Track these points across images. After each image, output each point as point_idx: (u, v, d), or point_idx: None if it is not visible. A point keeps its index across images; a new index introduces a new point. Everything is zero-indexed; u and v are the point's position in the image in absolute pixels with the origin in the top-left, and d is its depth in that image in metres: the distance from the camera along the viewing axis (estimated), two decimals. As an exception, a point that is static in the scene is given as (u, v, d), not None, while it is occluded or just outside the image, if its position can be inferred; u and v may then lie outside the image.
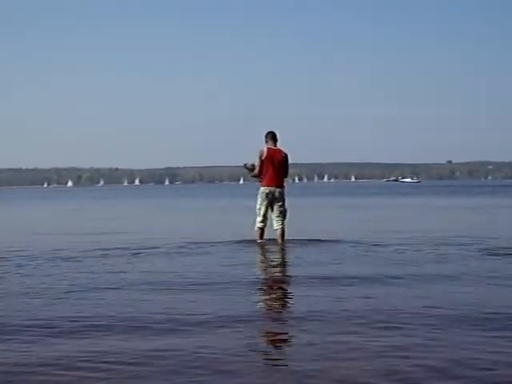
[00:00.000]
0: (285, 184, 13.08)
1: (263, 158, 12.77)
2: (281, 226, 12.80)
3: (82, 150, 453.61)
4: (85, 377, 4.53)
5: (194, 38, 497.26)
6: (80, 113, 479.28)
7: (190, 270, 9.33)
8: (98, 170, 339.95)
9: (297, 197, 45.19)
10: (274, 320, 6.37)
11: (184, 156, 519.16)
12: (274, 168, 12.78)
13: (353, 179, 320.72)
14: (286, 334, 5.76)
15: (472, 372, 4.52)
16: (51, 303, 7.03)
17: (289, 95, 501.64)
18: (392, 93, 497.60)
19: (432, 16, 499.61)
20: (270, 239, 12.90)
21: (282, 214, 12.85)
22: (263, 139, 13.02)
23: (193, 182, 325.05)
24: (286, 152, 13.01)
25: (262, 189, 12.85)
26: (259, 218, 12.84)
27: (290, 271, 9.56)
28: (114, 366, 4.71)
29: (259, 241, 12.69)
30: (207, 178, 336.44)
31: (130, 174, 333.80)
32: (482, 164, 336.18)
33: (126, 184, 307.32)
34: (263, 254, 11.58)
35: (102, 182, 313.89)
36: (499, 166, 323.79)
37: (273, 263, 10.40)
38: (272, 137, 12.94)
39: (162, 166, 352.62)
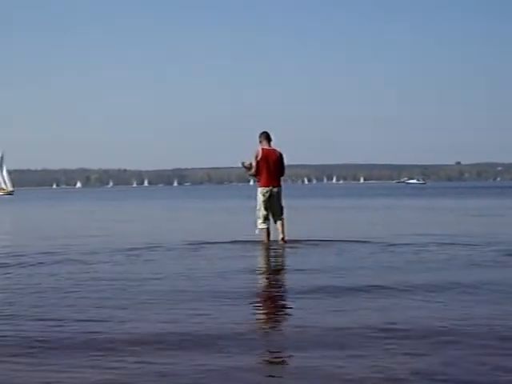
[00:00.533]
0: (281, 183, 13.23)
1: (258, 158, 12.83)
2: (280, 221, 12.94)
3: (91, 151, 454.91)
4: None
5: (201, 38, 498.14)
6: (89, 114, 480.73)
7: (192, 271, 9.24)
8: (106, 171, 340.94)
9: (308, 198, 44.99)
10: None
11: (193, 157, 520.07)
12: (270, 168, 12.88)
13: (361, 180, 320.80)
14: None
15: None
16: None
17: (298, 96, 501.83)
18: (402, 93, 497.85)
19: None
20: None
21: (280, 211, 13.02)
22: (257, 139, 13.12)
23: (201, 183, 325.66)
24: (280, 151, 13.11)
25: (260, 189, 12.96)
26: (260, 220, 12.92)
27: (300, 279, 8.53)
28: None
29: (266, 241, 12.70)
30: (216, 179, 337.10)
31: (139, 175, 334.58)
32: (491, 165, 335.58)
33: (134, 185, 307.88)
34: (266, 258, 11.52)
35: (111, 183, 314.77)
36: (508, 168, 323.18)
37: (284, 268, 10.09)
38: (266, 137, 13.01)
39: (171, 167, 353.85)
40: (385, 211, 29.27)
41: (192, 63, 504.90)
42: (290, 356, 4.97)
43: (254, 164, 12.85)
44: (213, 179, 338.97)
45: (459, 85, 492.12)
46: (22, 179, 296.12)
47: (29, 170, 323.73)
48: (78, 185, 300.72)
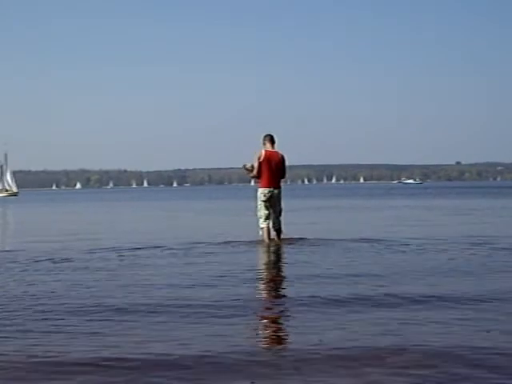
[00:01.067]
0: (281, 185, 13.51)
1: (261, 160, 13.09)
2: (278, 225, 13.25)
3: (91, 152, 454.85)
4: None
5: (203, 38, 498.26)
6: (89, 115, 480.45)
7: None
8: (106, 172, 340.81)
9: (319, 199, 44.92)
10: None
11: (193, 158, 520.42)
12: (272, 170, 13.15)
13: (361, 181, 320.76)
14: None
15: None
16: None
17: (298, 96, 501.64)
18: (402, 93, 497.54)
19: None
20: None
21: (279, 213, 13.31)
22: (261, 142, 13.41)
23: (201, 183, 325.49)
24: (283, 154, 13.41)
25: (261, 190, 13.21)
26: (261, 219, 13.17)
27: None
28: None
29: (267, 241, 12.93)
30: (216, 179, 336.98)
31: (139, 176, 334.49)
32: (491, 165, 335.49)
33: (134, 186, 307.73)
34: (268, 255, 11.67)
35: (111, 184, 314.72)
36: (508, 167, 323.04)
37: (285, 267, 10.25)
38: (270, 139, 13.30)
39: (171, 168, 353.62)
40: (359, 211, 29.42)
41: (192, 63, 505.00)
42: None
43: (256, 165, 13.09)
44: (213, 180, 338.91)
45: (459, 84, 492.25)
46: (22, 180, 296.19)
47: (29, 171, 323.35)
48: (78, 186, 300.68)
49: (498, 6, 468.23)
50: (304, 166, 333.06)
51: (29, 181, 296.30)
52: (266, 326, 6.09)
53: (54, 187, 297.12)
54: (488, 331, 5.49)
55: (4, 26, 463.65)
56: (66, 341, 5.39)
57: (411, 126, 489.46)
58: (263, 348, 5.22)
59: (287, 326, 6.03)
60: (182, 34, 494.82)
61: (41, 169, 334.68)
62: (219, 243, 13.00)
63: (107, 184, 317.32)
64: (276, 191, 13.23)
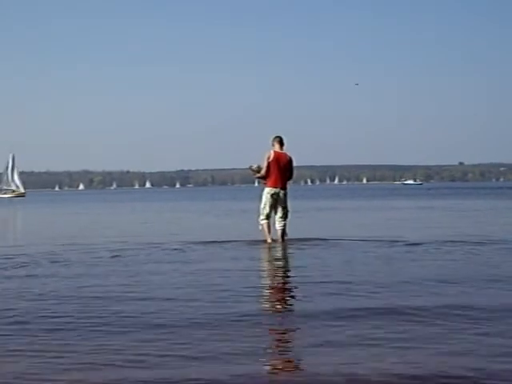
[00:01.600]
0: (288, 186, 13.67)
1: (270, 160, 13.29)
2: (283, 227, 13.38)
3: (94, 153, 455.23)
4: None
5: (204, 38, 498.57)
6: (91, 116, 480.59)
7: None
8: (109, 173, 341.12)
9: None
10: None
11: (196, 159, 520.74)
12: (280, 170, 13.35)
13: (364, 181, 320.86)
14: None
15: None
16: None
17: (300, 97, 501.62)
18: (404, 94, 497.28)
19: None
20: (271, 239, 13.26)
21: (285, 215, 13.44)
22: (270, 143, 13.62)
23: (204, 184, 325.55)
24: (290, 156, 13.64)
25: (268, 189, 13.37)
26: (262, 216, 13.35)
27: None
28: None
29: (268, 239, 13.10)
30: (219, 180, 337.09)
31: (142, 177, 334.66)
32: (494, 166, 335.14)
33: (137, 187, 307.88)
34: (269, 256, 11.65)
35: (114, 185, 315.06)
36: (511, 168, 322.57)
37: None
38: (279, 141, 13.51)
39: (174, 169, 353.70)
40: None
41: (195, 64, 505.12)
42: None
43: (265, 165, 13.33)
44: (216, 181, 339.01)
45: (462, 85, 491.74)
46: (25, 181, 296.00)
47: (32, 172, 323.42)
48: (81, 187, 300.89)
49: (498, 6, 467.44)
50: (307, 167, 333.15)
51: (31, 182, 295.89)
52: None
53: (56, 188, 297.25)
54: None
55: (4, 26, 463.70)
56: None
57: (414, 126, 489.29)
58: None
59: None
60: (182, 34, 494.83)
61: (43, 170, 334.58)
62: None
63: (110, 185, 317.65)
64: (282, 192, 13.42)
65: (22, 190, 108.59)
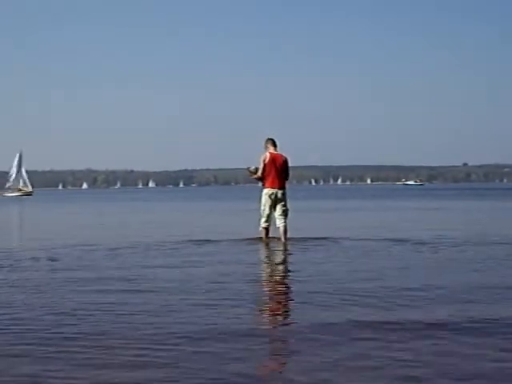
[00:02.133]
0: (286, 185, 13.79)
1: (266, 161, 13.51)
2: (283, 224, 13.47)
3: (98, 152, 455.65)
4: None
5: (202, 35, 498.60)
6: (95, 115, 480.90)
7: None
8: (113, 172, 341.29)
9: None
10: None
11: (200, 158, 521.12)
12: (277, 171, 13.54)
13: (368, 182, 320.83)
14: None
15: None
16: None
17: (304, 96, 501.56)
18: (408, 94, 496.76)
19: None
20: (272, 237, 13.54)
21: (285, 213, 13.60)
22: (263, 146, 13.86)
23: (208, 184, 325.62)
24: (286, 156, 13.86)
25: (266, 190, 13.59)
26: (263, 219, 13.58)
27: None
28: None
29: (265, 240, 13.37)
30: (222, 180, 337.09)
31: (146, 176, 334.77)
32: (498, 167, 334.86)
33: (140, 186, 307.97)
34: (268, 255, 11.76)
35: (118, 184, 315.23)
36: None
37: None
38: (272, 143, 13.74)
39: (178, 169, 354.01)
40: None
41: (198, 63, 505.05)
42: None
43: (261, 167, 13.54)
44: (219, 180, 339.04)
45: (466, 86, 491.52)
46: (29, 180, 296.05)
47: (36, 171, 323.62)
48: (85, 186, 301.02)
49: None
50: (310, 167, 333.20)
51: (35, 181, 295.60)
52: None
53: (60, 187, 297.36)
54: None
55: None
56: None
57: (418, 127, 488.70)
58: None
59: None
60: (184, 31, 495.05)
61: (47, 169, 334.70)
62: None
63: (114, 184, 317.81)
64: (280, 192, 13.61)
65: (29, 188, 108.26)
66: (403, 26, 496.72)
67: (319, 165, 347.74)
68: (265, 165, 13.48)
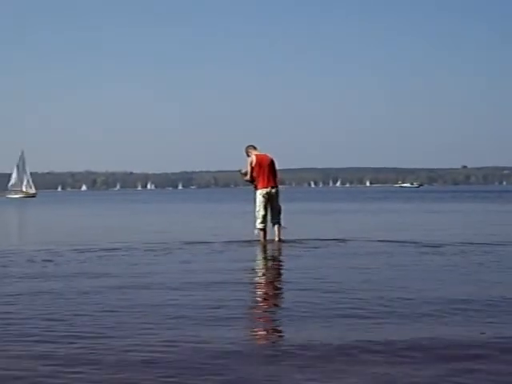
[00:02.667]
0: (278, 183, 13.98)
1: (253, 164, 13.74)
2: (278, 222, 13.70)
3: (97, 154, 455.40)
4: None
5: (207, 39, 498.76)
6: (95, 117, 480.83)
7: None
8: (112, 174, 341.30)
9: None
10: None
11: (199, 160, 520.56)
12: (265, 171, 13.77)
13: (368, 184, 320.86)
14: None
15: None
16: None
17: (302, 98, 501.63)
18: (407, 96, 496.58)
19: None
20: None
21: (278, 211, 13.78)
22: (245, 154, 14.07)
23: (208, 186, 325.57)
24: (272, 156, 14.04)
25: (259, 191, 13.73)
26: (259, 220, 13.67)
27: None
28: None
29: (263, 242, 13.42)
30: (222, 182, 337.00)
31: (145, 178, 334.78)
32: (497, 169, 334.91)
33: (139, 188, 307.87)
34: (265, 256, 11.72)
35: (118, 186, 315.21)
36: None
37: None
38: (253, 148, 13.98)
39: (177, 171, 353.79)
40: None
41: (197, 67, 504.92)
42: None
43: (249, 170, 13.74)
44: (219, 182, 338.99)
45: (465, 88, 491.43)
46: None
47: (35, 173, 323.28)
48: (84, 188, 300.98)
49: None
50: (310, 169, 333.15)
51: (34, 182, 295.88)
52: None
53: (59, 189, 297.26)
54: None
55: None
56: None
57: (417, 129, 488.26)
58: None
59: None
60: (184, 31, 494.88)
61: (46, 170, 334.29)
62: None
63: (113, 186, 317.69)
64: (273, 190, 13.75)
65: (33, 190, 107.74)
66: (403, 26, 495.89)
67: (319, 167, 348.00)
68: (252, 167, 13.69)
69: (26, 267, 9.93)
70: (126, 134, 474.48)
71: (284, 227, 13.67)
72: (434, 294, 7.23)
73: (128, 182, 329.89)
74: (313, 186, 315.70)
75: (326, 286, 7.83)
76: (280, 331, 5.88)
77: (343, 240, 13.61)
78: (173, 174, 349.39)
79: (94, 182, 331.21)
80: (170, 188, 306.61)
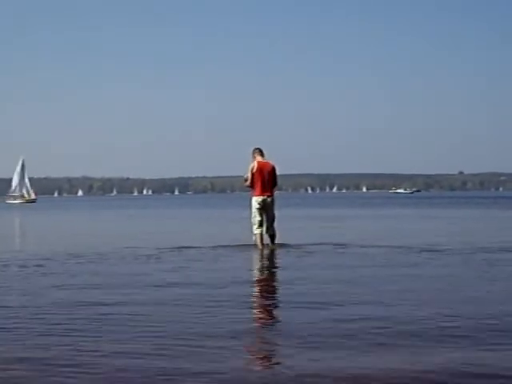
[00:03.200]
0: (274, 193, 14.34)
1: (254, 170, 13.98)
2: (273, 232, 14.10)
3: (94, 160, 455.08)
4: None
5: (205, 43, 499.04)
6: (91, 122, 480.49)
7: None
8: (109, 180, 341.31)
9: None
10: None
11: (196, 166, 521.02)
12: (265, 179, 14.03)
13: (364, 190, 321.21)
14: None
15: None
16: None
17: (299, 105, 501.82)
18: (404, 103, 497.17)
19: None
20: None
21: (272, 219, 14.09)
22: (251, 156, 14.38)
23: (204, 191, 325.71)
24: (273, 164, 14.34)
25: (255, 198, 14.04)
26: (256, 225, 13.95)
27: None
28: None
29: (260, 246, 13.67)
30: (219, 187, 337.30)
31: (141, 184, 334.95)
32: (494, 175, 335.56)
33: (135, 194, 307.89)
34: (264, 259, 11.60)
35: (114, 192, 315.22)
36: (511, 177, 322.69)
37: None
38: (259, 152, 14.27)
39: (174, 176, 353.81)
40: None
41: (194, 71, 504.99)
42: None
43: (249, 176, 14.00)
44: (216, 188, 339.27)
45: (462, 94, 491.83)
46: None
47: (32, 178, 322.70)
48: (80, 193, 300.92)
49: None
50: (306, 175, 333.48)
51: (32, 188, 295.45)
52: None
53: (55, 194, 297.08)
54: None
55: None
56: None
57: (414, 135, 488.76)
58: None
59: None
60: (183, 34, 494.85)
61: (43, 176, 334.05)
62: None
63: (110, 191, 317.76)
64: (269, 199, 14.04)
65: (32, 195, 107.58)
66: (403, 26, 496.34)
67: (315, 172, 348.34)
68: (253, 174, 13.91)
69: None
70: (123, 140, 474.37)
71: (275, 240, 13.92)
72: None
73: (124, 187, 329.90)
74: (309, 191, 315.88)
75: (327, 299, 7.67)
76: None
77: (344, 245, 13.86)
78: (169, 179, 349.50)
79: (91, 187, 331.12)
80: (168, 194, 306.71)
